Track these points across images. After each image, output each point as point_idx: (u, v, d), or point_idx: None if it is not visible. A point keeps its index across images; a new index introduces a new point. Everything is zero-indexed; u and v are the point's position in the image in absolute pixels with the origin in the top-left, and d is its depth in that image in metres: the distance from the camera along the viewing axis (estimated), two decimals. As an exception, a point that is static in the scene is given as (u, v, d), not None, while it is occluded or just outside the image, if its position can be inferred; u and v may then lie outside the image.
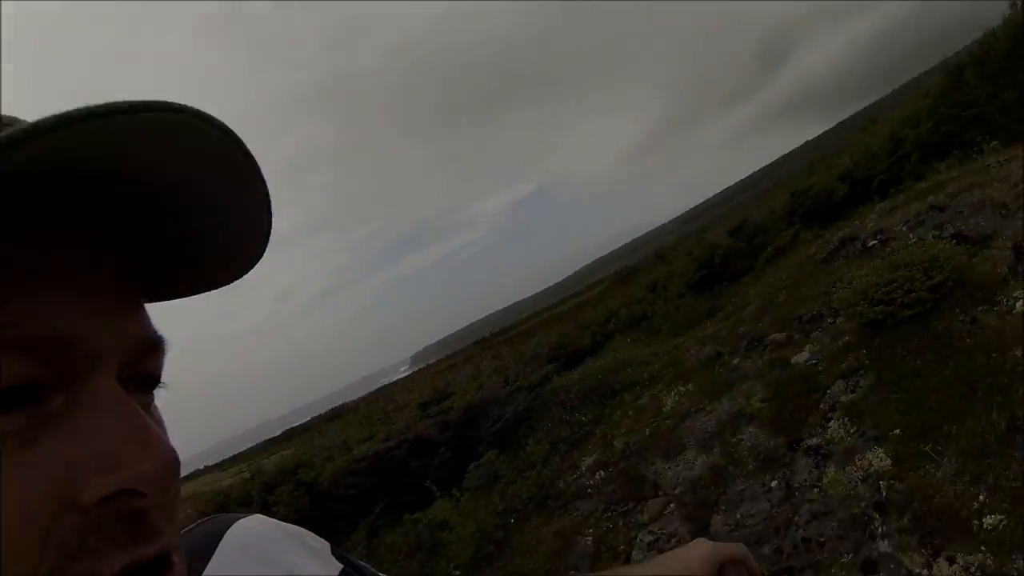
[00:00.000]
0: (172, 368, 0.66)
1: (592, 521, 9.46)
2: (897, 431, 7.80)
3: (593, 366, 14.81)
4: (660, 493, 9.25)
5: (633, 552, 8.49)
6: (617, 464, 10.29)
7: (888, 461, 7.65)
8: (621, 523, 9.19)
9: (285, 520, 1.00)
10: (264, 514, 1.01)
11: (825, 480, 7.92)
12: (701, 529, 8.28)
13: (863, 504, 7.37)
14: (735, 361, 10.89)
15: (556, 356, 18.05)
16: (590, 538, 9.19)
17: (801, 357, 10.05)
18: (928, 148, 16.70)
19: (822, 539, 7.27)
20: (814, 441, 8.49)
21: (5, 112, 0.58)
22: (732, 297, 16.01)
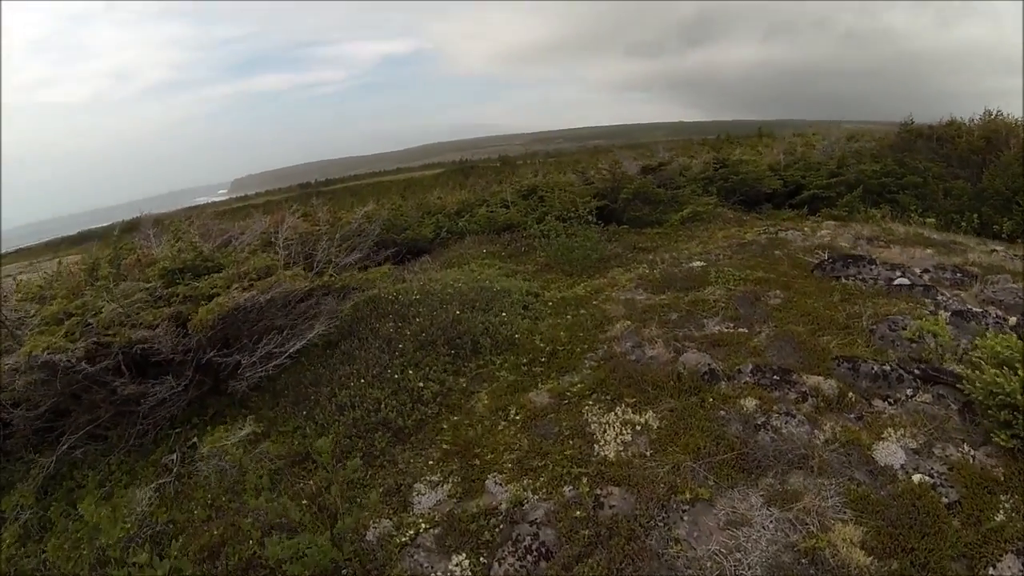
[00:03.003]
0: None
1: None
2: None
3: (442, 281, 8.60)
4: None
5: None
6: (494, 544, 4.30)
7: None
8: None
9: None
10: None
11: None
12: None
13: None
14: (748, 401, 5.02)
15: (385, 240, 11.57)
16: None
17: (892, 456, 4.55)
18: (867, 189, 13.30)
19: None
20: None
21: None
22: (635, 249, 10.45)
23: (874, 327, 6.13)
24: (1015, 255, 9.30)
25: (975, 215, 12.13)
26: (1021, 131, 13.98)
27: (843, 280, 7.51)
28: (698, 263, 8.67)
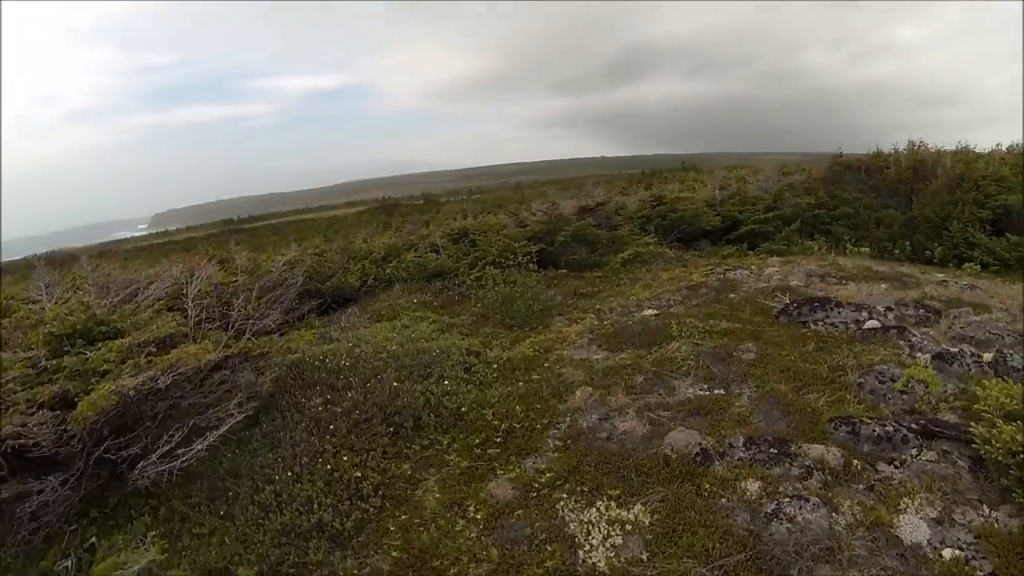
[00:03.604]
0: None
1: None
2: None
3: (373, 341, 7.76)
4: None
5: None
6: None
7: None
8: None
9: None
10: None
11: None
12: None
13: None
14: (750, 484, 4.35)
15: (309, 289, 10.63)
16: None
17: (915, 531, 4.04)
18: (803, 222, 13.52)
19: None
20: None
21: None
22: (577, 295, 9.86)
23: (861, 380, 5.65)
24: (965, 284, 9.21)
25: (907, 242, 12.38)
26: (948, 160, 14.29)
27: (812, 327, 7.08)
28: (650, 311, 8.14)
